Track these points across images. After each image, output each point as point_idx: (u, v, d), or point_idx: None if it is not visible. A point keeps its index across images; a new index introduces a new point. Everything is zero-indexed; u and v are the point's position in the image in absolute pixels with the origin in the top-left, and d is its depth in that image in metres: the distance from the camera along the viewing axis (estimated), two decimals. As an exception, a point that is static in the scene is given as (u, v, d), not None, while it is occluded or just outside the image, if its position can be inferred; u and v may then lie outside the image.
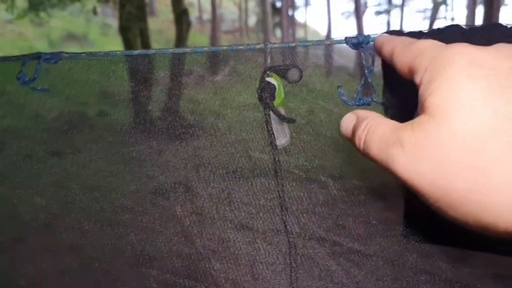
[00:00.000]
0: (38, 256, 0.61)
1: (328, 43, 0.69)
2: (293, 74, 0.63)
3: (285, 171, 0.64)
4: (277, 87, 0.62)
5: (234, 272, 0.59)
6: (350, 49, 0.67)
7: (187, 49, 0.66)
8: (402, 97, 0.64)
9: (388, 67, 0.54)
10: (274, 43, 0.65)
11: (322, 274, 0.63)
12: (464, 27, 0.58)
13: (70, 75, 0.67)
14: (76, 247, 0.60)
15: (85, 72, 0.66)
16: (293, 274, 0.60)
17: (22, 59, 0.63)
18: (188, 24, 6.76)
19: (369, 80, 0.64)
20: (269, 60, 0.64)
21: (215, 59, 0.70)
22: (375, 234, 0.65)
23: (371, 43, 0.64)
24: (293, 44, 0.67)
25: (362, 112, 0.47)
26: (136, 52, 0.65)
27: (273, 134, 0.59)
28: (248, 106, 0.64)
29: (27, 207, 0.63)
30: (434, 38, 0.44)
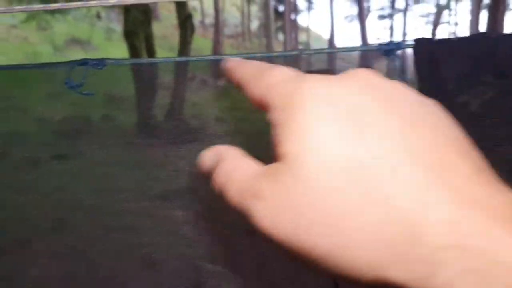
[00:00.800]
0: (44, 259, 0.62)
1: (362, 49, 0.70)
2: None
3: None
4: None
5: (239, 275, 0.59)
6: (352, 53, 0.68)
7: (218, 57, 0.67)
8: (435, 96, 0.64)
9: (423, 72, 0.54)
10: (310, 50, 0.65)
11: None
12: (491, 35, 0.57)
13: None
14: (82, 250, 0.60)
15: (91, 76, 0.67)
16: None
17: (69, 65, 0.65)
18: (192, 29, 6.79)
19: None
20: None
21: (217, 64, 0.71)
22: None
23: (405, 50, 0.64)
24: (328, 51, 0.68)
25: (225, 150, 0.39)
26: (178, 59, 0.67)
27: None
28: (253, 110, 0.65)
29: (33, 211, 0.64)
30: (461, 46, 0.40)
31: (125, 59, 0.66)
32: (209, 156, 0.44)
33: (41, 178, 0.67)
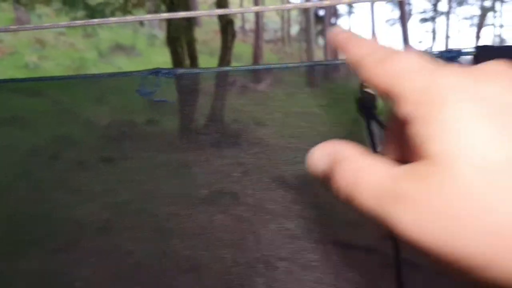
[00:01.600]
0: (92, 259, 0.64)
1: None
2: None
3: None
4: (376, 97, 0.62)
5: (284, 279, 0.59)
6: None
7: (287, 64, 0.69)
8: None
9: None
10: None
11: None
12: None
13: (116, 83, 0.70)
14: (127, 251, 0.62)
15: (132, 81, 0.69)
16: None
17: (142, 74, 0.68)
18: (233, 34, 6.85)
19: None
20: None
21: (258, 68, 0.72)
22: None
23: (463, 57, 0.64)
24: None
25: (341, 147, 0.39)
26: (239, 68, 0.69)
27: (376, 143, 0.60)
28: (293, 114, 0.66)
29: (82, 212, 0.66)
30: None
31: (194, 68, 0.69)
32: (320, 154, 0.39)
33: (89, 180, 0.69)
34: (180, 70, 0.67)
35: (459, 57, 0.64)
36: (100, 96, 0.72)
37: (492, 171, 0.28)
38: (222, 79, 0.71)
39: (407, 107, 0.34)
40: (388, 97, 0.37)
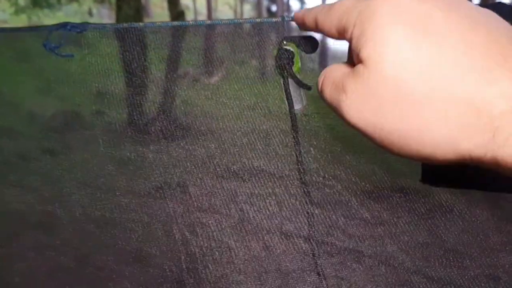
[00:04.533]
0: (32, 254, 0.61)
1: None
2: (309, 43, 0.65)
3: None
4: (295, 54, 0.65)
5: (229, 271, 0.59)
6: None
7: (216, 21, 0.68)
8: None
9: None
10: (291, 17, 0.67)
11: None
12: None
13: (65, 75, 0.67)
14: (70, 245, 0.60)
15: (80, 72, 0.67)
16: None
17: (49, 28, 0.65)
18: (184, 26, 6.76)
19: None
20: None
21: (210, 60, 0.71)
22: (368, 234, 0.66)
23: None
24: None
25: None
26: (164, 23, 0.67)
27: (291, 99, 0.62)
28: (246, 107, 0.65)
29: (21, 205, 0.64)
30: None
31: (107, 24, 0.67)
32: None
33: (31, 173, 0.66)
34: (91, 25, 0.66)
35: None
36: (42, 86, 0.69)
37: (402, 66, 0.37)
38: (173, 70, 0.70)
39: (349, 31, 0.42)
40: (339, 33, 0.45)
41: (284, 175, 0.65)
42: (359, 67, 0.40)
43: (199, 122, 0.66)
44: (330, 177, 0.66)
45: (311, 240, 0.62)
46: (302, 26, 0.58)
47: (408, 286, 0.67)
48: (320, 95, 0.48)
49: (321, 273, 0.63)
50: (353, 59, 0.45)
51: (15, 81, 0.69)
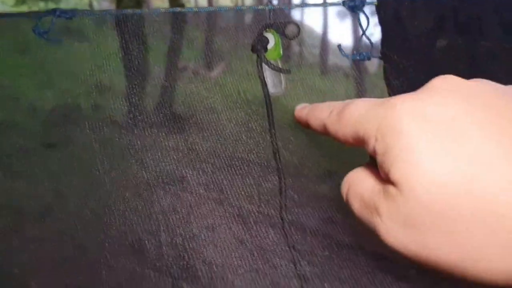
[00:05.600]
0: (32, 245, 0.62)
1: (326, 5, 0.71)
2: (291, 29, 0.66)
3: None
4: (271, 41, 0.67)
5: (223, 259, 0.60)
6: (343, 50, 0.69)
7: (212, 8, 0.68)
8: (399, 52, 0.66)
9: (386, 23, 0.54)
10: (275, 5, 0.68)
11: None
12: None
13: (63, 68, 0.68)
14: (70, 236, 0.61)
15: (79, 64, 0.67)
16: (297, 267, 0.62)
17: (38, 15, 0.66)
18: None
19: (366, 36, 0.67)
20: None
21: (210, 55, 0.71)
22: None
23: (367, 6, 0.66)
24: (294, 6, 0.70)
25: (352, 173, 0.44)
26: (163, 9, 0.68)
27: (265, 81, 0.63)
28: (246, 102, 0.66)
29: (22, 197, 0.64)
30: (425, 4, 0.42)
31: (96, 11, 0.68)
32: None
33: (31, 166, 0.67)
34: (79, 12, 0.67)
35: (363, 6, 0.67)
36: (43, 79, 0.69)
37: (439, 187, 0.32)
38: (173, 63, 0.70)
39: (371, 144, 0.38)
40: (357, 142, 0.42)
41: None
42: (391, 189, 0.36)
43: (198, 114, 0.66)
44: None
45: (286, 233, 0.63)
46: (308, 128, 0.53)
47: (404, 277, 0.68)
48: (347, 205, 0.44)
49: (298, 266, 0.63)
50: (377, 166, 0.40)
51: (16, 74, 0.69)
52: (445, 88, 0.37)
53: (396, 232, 0.35)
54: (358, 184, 0.42)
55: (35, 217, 0.63)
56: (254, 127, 0.66)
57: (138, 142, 0.65)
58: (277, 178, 0.63)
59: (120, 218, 0.58)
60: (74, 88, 0.67)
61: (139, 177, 0.61)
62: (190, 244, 0.59)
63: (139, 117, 0.66)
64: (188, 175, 0.61)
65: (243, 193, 0.63)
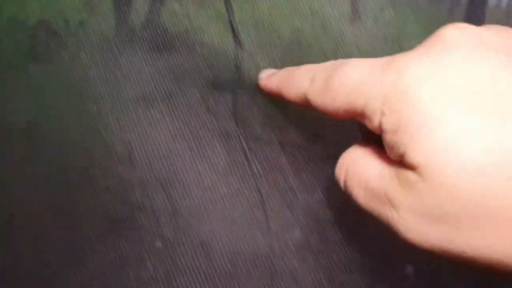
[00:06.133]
0: (18, 165, 0.61)
1: None
2: None
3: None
4: None
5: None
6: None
7: None
8: None
9: None
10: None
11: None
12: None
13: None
14: (53, 154, 0.60)
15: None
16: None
17: None
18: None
19: None
20: None
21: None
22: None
23: None
24: None
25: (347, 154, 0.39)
26: None
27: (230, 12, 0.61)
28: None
29: (5, 113, 0.63)
30: None
31: None
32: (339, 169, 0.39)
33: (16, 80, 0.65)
34: None
35: None
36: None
37: (472, 170, 0.27)
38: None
39: (375, 119, 0.32)
40: (351, 115, 0.35)
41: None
42: (409, 174, 0.30)
43: (187, 34, 0.65)
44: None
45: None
46: (281, 99, 0.45)
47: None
48: (348, 195, 0.38)
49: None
50: (376, 143, 0.35)
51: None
52: (464, 42, 0.30)
53: (420, 227, 0.30)
54: (359, 168, 0.35)
55: (17, 135, 0.62)
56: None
57: (127, 59, 0.63)
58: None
59: (109, 133, 0.57)
60: (60, 1, 0.65)
61: (123, 93, 0.60)
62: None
63: (127, 33, 0.64)
64: (174, 92, 0.60)
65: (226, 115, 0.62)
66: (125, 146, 0.58)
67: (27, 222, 0.59)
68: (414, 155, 0.29)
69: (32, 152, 0.64)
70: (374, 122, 0.32)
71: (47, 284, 0.56)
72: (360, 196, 0.35)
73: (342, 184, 0.38)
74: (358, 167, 0.35)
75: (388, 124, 0.31)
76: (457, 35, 0.31)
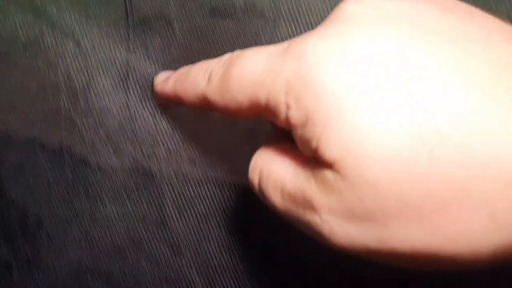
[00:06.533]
0: (17, 73, 0.61)
1: None
2: None
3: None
4: None
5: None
6: None
7: None
8: None
9: None
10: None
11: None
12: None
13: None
14: (54, 64, 0.59)
15: None
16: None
17: None
18: None
19: None
20: None
21: None
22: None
23: None
24: None
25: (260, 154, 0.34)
26: None
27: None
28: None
29: (10, 25, 0.62)
30: None
31: None
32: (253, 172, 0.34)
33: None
34: None
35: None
36: None
37: (396, 159, 0.24)
38: None
39: (281, 113, 0.28)
40: (259, 113, 0.31)
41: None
42: (326, 173, 0.26)
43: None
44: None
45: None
46: (180, 104, 0.39)
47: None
48: (264, 201, 0.33)
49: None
50: (288, 142, 0.31)
51: None
52: (365, 14, 0.27)
53: (346, 229, 0.27)
54: (274, 170, 0.31)
55: (21, 46, 0.62)
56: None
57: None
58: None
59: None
60: None
61: (125, 16, 0.58)
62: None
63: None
64: (176, 19, 0.58)
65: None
66: (123, 66, 0.58)
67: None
68: (327, 150, 0.26)
69: (31, 62, 0.64)
70: (280, 117, 0.29)
71: None
72: (277, 201, 0.31)
73: (256, 188, 0.34)
74: (272, 169, 0.32)
75: (295, 117, 0.27)
76: (357, 8, 0.28)
